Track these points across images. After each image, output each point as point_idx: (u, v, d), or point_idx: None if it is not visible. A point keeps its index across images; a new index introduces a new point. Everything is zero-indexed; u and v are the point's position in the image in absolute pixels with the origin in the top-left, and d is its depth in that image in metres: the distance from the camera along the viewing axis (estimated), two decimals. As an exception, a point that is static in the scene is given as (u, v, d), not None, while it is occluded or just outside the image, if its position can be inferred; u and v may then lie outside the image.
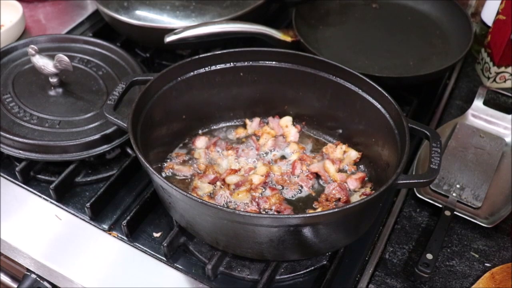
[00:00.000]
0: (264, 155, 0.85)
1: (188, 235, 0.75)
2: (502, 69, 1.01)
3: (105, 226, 0.78)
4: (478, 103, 0.95)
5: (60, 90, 0.89)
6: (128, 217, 0.75)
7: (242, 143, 0.87)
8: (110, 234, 0.77)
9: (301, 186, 0.80)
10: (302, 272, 0.73)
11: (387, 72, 0.97)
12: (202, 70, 0.82)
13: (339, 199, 0.77)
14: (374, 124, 0.79)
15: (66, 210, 0.80)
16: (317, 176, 0.82)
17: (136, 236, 0.77)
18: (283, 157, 0.85)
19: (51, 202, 0.81)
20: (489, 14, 1.06)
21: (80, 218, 0.79)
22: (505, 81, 1.03)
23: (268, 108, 0.89)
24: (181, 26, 0.95)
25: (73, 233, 0.77)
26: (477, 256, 0.76)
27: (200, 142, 0.85)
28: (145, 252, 0.75)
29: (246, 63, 0.83)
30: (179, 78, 0.80)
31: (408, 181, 0.66)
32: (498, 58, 0.99)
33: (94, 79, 0.92)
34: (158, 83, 0.78)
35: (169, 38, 0.90)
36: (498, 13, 1.00)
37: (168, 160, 0.82)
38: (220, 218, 0.63)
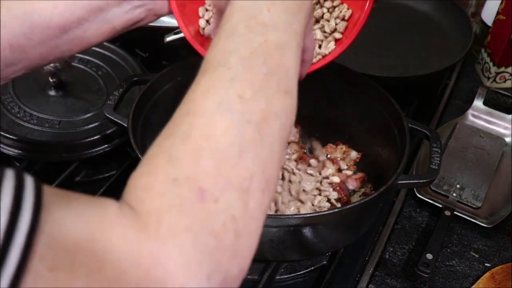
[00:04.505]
0: (264, 155, 0.84)
1: (188, 235, 0.75)
2: (502, 69, 1.01)
3: (105, 226, 0.78)
4: (478, 103, 0.95)
5: (60, 90, 0.88)
6: (128, 217, 0.75)
7: (242, 143, 0.87)
8: (110, 234, 0.77)
9: (301, 186, 0.80)
10: (302, 272, 0.73)
11: (387, 72, 0.97)
12: (202, 70, 0.82)
13: (339, 199, 0.77)
14: (374, 124, 0.79)
15: (66, 210, 0.80)
16: (317, 176, 0.82)
17: (136, 236, 0.77)
18: (283, 157, 0.84)
19: (51, 202, 0.81)
20: (489, 14, 1.06)
21: (80, 218, 0.79)
22: (505, 81, 1.03)
23: (268, 108, 0.89)
24: (181, 26, 0.95)
25: (73, 233, 0.77)
26: (477, 256, 0.76)
27: (200, 142, 0.85)
28: (145, 252, 0.75)
29: (246, 63, 0.83)
30: (179, 78, 0.80)
31: (408, 181, 0.66)
32: (498, 58, 0.99)
33: (94, 79, 0.92)
34: (158, 83, 0.77)
35: (169, 38, 0.90)
36: (498, 13, 1.00)
37: (168, 160, 0.82)
38: (220, 218, 0.63)
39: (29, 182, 0.28)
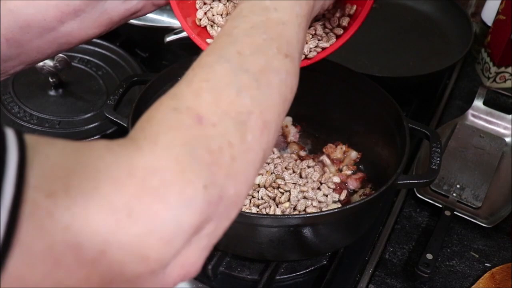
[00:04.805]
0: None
1: (188, 235, 0.75)
2: (502, 69, 1.01)
3: (105, 226, 0.78)
4: (478, 103, 0.95)
5: (60, 90, 0.89)
6: (128, 217, 0.75)
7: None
8: (110, 234, 0.77)
9: (301, 186, 0.80)
10: (302, 272, 0.73)
11: (387, 72, 0.97)
12: (202, 70, 0.82)
13: (339, 199, 0.77)
14: (374, 124, 0.79)
15: (66, 210, 0.80)
16: (317, 176, 0.82)
17: (136, 236, 0.76)
18: (283, 157, 0.84)
19: (51, 202, 0.81)
20: (489, 14, 1.06)
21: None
22: (505, 81, 1.03)
23: (268, 108, 0.89)
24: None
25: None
26: (477, 256, 0.76)
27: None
28: (145, 252, 0.75)
29: (246, 63, 0.83)
30: (179, 78, 0.80)
31: (408, 181, 0.66)
32: (498, 58, 0.99)
33: (94, 79, 0.92)
34: (158, 83, 0.77)
35: (169, 38, 0.90)
36: (498, 13, 1.00)
37: (168, 160, 0.82)
38: (220, 218, 0.63)
39: (8, 129, 0.29)
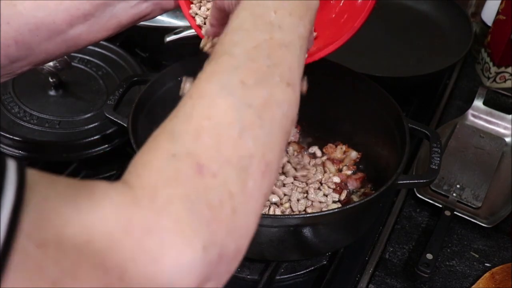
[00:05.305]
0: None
1: (188, 235, 0.75)
2: (502, 69, 1.01)
3: (105, 226, 0.78)
4: (478, 103, 0.95)
5: (60, 90, 0.89)
6: (128, 217, 0.75)
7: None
8: (110, 234, 0.77)
9: (301, 186, 0.80)
10: (302, 272, 0.73)
11: (387, 72, 0.97)
12: (202, 70, 0.82)
13: (339, 199, 0.77)
14: (374, 124, 0.79)
15: (66, 210, 0.80)
16: (317, 176, 0.82)
17: (136, 236, 0.76)
18: (283, 157, 0.84)
19: (51, 202, 0.81)
20: (489, 14, 1.06)
21: (80, 218, 0.79)
22: (505, 81, 1.03)
23: (268, 108, 0.89)
24: (181, 26, 0.95)
25: (73, 233, 0.77)
26: (477, 256, 0.76)
27: (200, 142, 0.85)
28: (145, 252, 0.75)
29: (246, 63, 0.83)
30: (179, 78, 0.80)
31: (408, 181, 0.66)
32: (498, 58, 0.99)
33: (94, 79, 0.92)
34: (158, 83, 0.77)
35: (169, 38, 0.90)
36: (498, 13, 1.00)
37: (168, 160, 0.82)
38: (220, 218, 0.63)
39: (11, 163, 0.28)
